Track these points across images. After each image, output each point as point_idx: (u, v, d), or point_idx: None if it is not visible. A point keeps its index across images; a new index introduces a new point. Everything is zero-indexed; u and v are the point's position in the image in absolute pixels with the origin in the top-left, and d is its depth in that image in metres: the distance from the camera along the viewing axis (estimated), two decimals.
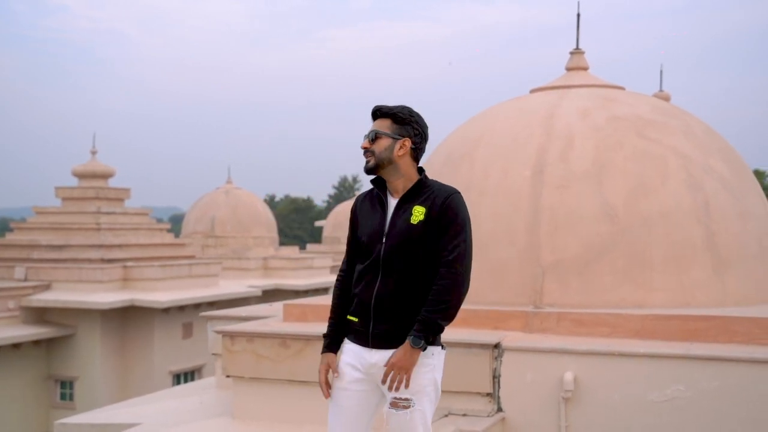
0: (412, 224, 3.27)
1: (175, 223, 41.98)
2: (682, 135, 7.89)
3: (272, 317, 8.28)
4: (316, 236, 46.98)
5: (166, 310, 20.14)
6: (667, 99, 11.37)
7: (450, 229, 3.25)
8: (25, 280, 19.79)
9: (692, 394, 5.99)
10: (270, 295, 23.65)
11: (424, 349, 3.20)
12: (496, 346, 6.46)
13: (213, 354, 8.83)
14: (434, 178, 3.46)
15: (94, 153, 23.22)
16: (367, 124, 3.47)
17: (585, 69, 9.11)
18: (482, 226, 7.39)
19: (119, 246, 21.21)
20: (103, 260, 20.51)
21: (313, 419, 6.45)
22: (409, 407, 3.25)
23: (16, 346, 18.39)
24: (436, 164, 8.34)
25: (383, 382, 3.24)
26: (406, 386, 3.21)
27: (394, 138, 3.33)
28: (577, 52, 9.16)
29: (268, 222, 29.77)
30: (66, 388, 19.54)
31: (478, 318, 6.97)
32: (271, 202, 61.84)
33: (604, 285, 7.12)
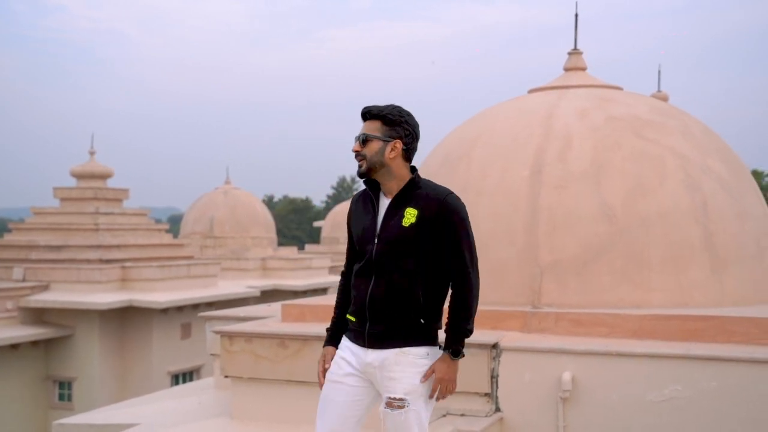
0: (403, 227, 3.28)
1: (174, 223, 41.99)
2: (680, 135, 7.90)
3: (271, 317, 8.27)
4: (314, 237, 46.99)
5: (165, 311, 20.13)
6: (665, 99, 11.38)
7: (454, 233, 3.28)
8: (24, 280, 19.77)
9: (691, 394, 5.98)
10: (268, 295, 23.64)
11: (463, 356, 3.38)
12: (494, 346, 6.46)
13: (211, 354, 8.82)
14: (432, 179, 3.47)
15: (92, 153, 23.23)
16: None
17: (583, 69, 9.11)
18: (480, 226, 7.36)
19: (118, 246, 21.20)
20: (101, 261, 20.50)
21: (311, 419, 6.37)
22: (403, 407, 3.27)
23: (14, 347, 18.37)
24: (433, 165, 8.33)
25: (431, 397, 3.34)
26: (451, 392, 3.37)
27: (384, 140, 3.32)
28: (575, 52, 9.16)
29: (266, 222, 29.76)
30: (64, 389, 19.53)
31: (476, 318, 6.92)
32: (269, 202, 61.86)
33: (602, 285, 7.12)
